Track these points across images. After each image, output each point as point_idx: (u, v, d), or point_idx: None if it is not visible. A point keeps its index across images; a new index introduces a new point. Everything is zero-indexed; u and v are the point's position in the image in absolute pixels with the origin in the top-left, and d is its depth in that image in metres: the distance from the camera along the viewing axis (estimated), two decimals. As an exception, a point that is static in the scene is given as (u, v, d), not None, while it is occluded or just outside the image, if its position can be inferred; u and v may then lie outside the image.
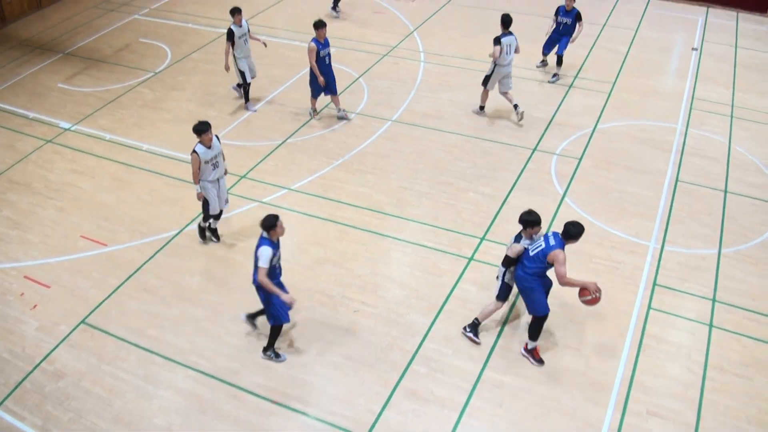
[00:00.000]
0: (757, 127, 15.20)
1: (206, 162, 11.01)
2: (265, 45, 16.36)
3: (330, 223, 12.43)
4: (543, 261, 9.11)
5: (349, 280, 11.15)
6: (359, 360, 9.82)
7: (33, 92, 17.38)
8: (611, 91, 16.68)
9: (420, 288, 11.04)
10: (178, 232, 12.34)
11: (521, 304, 10.65)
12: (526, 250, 9.40)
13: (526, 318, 10.36)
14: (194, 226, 12.41)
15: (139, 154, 14.67)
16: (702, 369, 9.58)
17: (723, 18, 20.94)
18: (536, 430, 8.87)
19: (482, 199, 12.97)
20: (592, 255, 11.43)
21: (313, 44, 14.32)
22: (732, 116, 15.58)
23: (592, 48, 18.95)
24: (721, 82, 17.14)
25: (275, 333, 9.70)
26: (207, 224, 11.88)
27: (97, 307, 10.84)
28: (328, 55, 14.64)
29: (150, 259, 11.78)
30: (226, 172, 11.71)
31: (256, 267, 9.08)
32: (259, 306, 9.71)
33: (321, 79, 14.56)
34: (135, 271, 11.52)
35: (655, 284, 11.01)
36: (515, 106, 15.27)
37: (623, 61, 18.20)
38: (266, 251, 8.95)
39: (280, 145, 14.75)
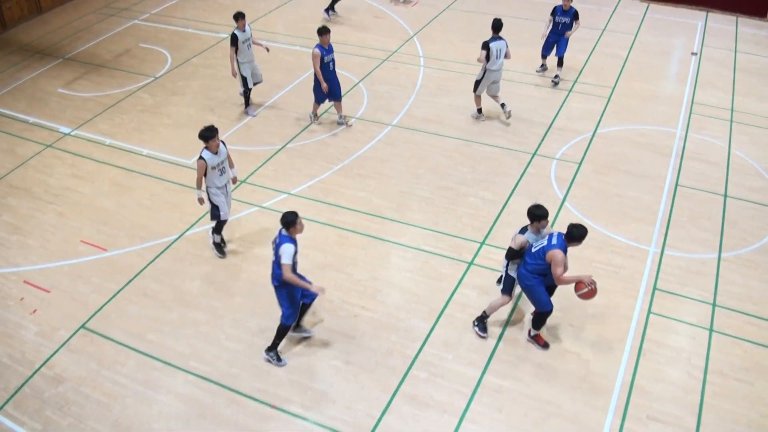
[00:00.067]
0: (757, 131, 15.20)
1: (213, 168, 10.96)
2: (268, 50, 16.37)
3: (330, 227, 12.43)
4: (543, 259, 9.19)
5: (349, 285, 11.15)
6: (359, 365, 9.81)
7: (33, 97, 17.40)
8: (611, 96, 16.69)
9: (420, 293, 11.04)
10: (178, 237, 12.34)
11: (521, 307, 10.66)
12: (529, 246, 9.48)
13: (527, 321, 10.38)
14: (194, 231, 12.43)
15: (139, 158, 14.68)
16: (702, 373, 9.57)
17: (722, 22, 20.96)
18: (536, 435, 8.88)
19: (482, 204, 12.97)
20: (592, 260, 11.42)
21: (317, 50, 14.32)
22: (732, 121, 15.58)
23: (591, 53, 18.97)
24: (720, 86, 17.15)
25: (282, 333, 9.70)
26: (221, 237, 11.80)
27: (97, 311, 10.84)
28: (333, 61, 14.65)
29: (150, 263, 11.78)
30: (235, 181, 11.71)
31: (277, 265, 9.14)
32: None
33: (324, 85, 14.56)
34: (135, 276, 11.51)
35: (655, 289, 11.00)
36: (502, 105, 15.40)
37: (623, 66, 18.22)
38: (289, 248, 9.01)
39: (280, 149, 14.76)
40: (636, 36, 20.05)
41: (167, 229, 12.54)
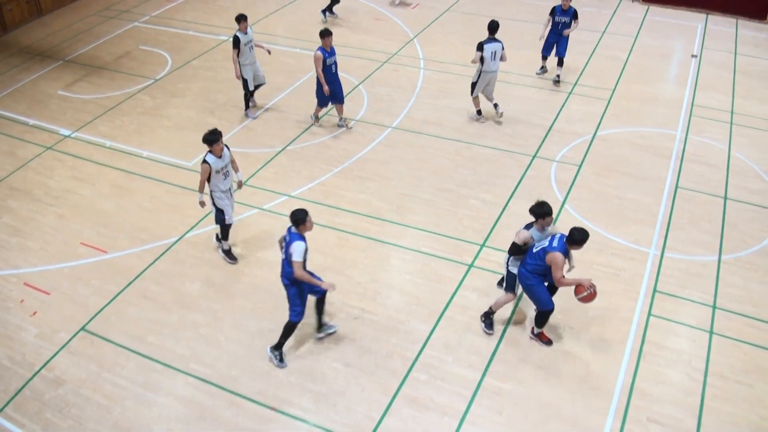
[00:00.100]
0: (757, 133, 15.21)
1: (217, 172, 10.93)
2: (269, 52, 16.36)
3: (330, 230, 12.43)
4: (543, 259, 9.24)
5: (349, 287, 11.15)
6: (359, 367, 9.80)
7: (33, 99, 17.41)
8: (611, 98, 16.70)
9: (420, 295, 11.04)
10: (178, 239, 12.34)
11: (522, 309, 10.66)
12: (531, 245, 9.56)
13: (528, 323, 10.38)
14: (194, 233, 12.43)
15: (139, 161, 14.68)
16: (702, 376, 9.57)
17: (722, 25, 20.98)
18: (537, 438, 8.88)
19: (482, 206, 12.97)
20: (593, 262, 11.42)
21: (319, 53, 14.32)
22: (732, 123, 15.59)
23: (591, 55, 18.98)
24: (720, 88, 17.16)
25: (289, 331, 9.73)
26: (229, 246, 11.76)
27: (97, 313, 10.84)
28: (335, 63, 14.64)
29: (150, 265, 11.78)
30: (241, 185, 11.70)
31: (287, 263, 9.19)
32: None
33: (326, 88, 14.56)
34: (135, 278, 11.51)
35: (655, 291, 11.00)
36: (495, 106, 15.52)
37: (623, 68, 18.23)
38: (300, 245, 9.06)
39: (280, 152, 14.76)
40: (636, 38, 20.06)
41: (167, 232, 12.54)
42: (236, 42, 15.03)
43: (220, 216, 11.35)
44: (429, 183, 13.65)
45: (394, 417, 9.10)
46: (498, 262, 11.55)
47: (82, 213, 13.14)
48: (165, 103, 17.00)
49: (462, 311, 10.69)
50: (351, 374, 9.70)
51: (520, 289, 10.03)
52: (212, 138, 10.76)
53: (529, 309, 10.57)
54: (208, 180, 10.96)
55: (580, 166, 14.06)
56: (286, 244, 9.24)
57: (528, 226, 9.67)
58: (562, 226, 12.02)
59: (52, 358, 10.07)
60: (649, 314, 10.56)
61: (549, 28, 16.87)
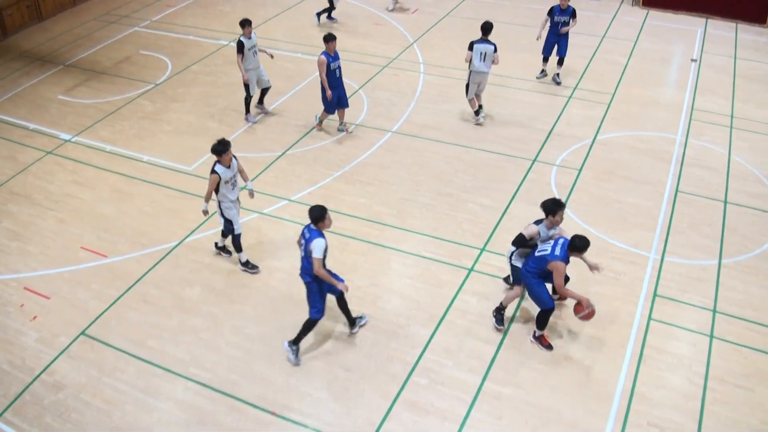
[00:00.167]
0: (757, 137, 15.21)
1: (226, 182, 10.86)
2: (272, 56, 16.37)
3: (330, 234, 12.35)
4: (544, 265, 9.33)
5: (349, 292, 11.10)
6: (359, 371, 9.80)
7: (33, 104, 17.42)
8: (611, 102, 16.71)
9: (420, 299, 11.03)
10: (178, 244, 12.34)
11: (522, 313, 10.66)
12: (534, 248, 9.68)
13: (528, 329, 10.37)
14: (194, 238, 12.43)
15: (139, 165, 14.69)
16: (703, 380, 9.56)
17: (722, 29, 20.99)
18: (537, 442, 8.86)
19: (482, 210, 12.97)
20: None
21: (323, 57, 14.33)
22: (732, 127, 15.59)
23: (591, 59, 18.99)
24: (720, 93, 17.16)
25: (308, 328, 9.79)
26: (246, 258, 11.66)
27: (97, 318, 10.83)
28: (339, 68, 14.65)
29: (150, 270, 11.78)
30: (252, 194, 11.62)
31: (307, 260, 9.24)
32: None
33: (329, 92, 14.56)
34: (135, 283, 11.51)
35: (655, 295, 11.00)
36: (479, 107, 15.71)
37: (623, 73, 18.24)
38: (321, 242, 9.11)
39: (280, 156, 14.77)
40: (636, 43, 20.08)
41: (167, 236, 12.54)
42: (240, 47, 15.03)
43: (228, 226, 11.27)
44: (429, 187, 13.66)
45: (395, 422, 9.09)
46: (498, 266, 11.55)
47: (83, 217, 13.14)
48: (165, 107, 17.01)
49: (462, 315, 10.68)
50: (351, 379, 9.70)
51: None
52: (221, 148, 10.69)
53: (530, 313, 10.56)
54: (216, 190, 10.89)
55: (580, 170, 14.06)
56: (305, 241, 9.28)
57: (537, 222, 9.78)
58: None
59: (52, 362, 10.07)
60: (650, 318, 10.56)
61: (547, 28, 16.95)
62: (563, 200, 12.75)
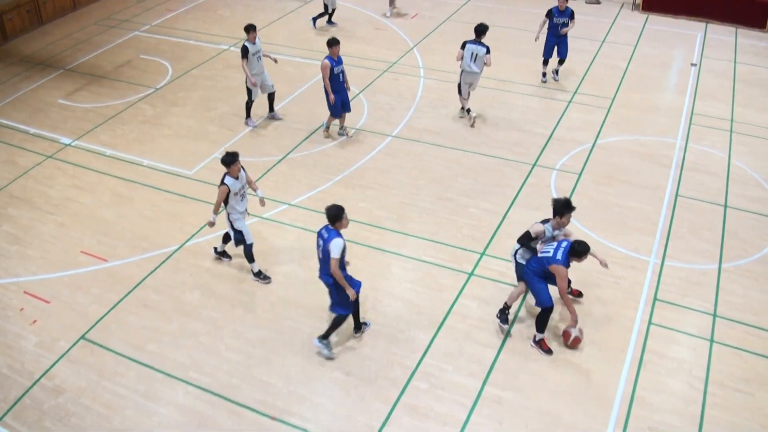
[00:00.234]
0: (757, 141, 15.22)
1: (235, 194, 10.82)
2: (276, 61, 16.38)
3: (330, 238, 12.41)
4: (545, 267, 9.42)
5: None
6: (359, 376, 9.79)
7: (34, 108, 17.43)
8: (611, 107, 16.72)
9: (420, 303, 11.03)
10: (179, 248, 12.34)
11: (523, 317, 10.65)
12: (536, 248, 9.78)
13: (528, 334, 10.37)
14: (195, 242, 12.43)
15: (139, 169, 14.70)
16: (703, 384, 9.55)
17: (722, 34, 21.01)
18: (537, 447, 8.86)
19: (483, 215, 12.97)
20: (592, 270, 11.38)
21: (327, 61, 14.35)
22: (731, 131, 15.60)
23: (591, 64, 19.01)
24: (720, 97, 17.18)
25: (337, 324, 9.86)
26: (258, 268, 11.58)
27: (97, 322, 10.83)
28: (342, 72, 14.67)
29: (150, 274, 11.78)
30: (263, 203, 11.59)
31: (326, 259, 9.27)
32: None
33: (332, 96, 14.57)
34: (135, 287, 11.51)
35: (655, 299, 10.99)
36: (467, 111, 15.86)
37: (622, 77, 18.26)
38: (339, 242, 9.16)
39: (280, 160, 14.77)
40: (635, 47, 20.10)
41: (167, 240, 12.54)
42: (245, 52, 15.04)
43: (239, 237, 11.20)
44: (429, 191, 13.66)
45: (395, 426, 9.07)
46: (498, 270, 11.56)
47: (83, 221, 13.14)
48: (165, 111, 17.02)
49: (462, 320, 10.68)
50: (351, 383, 9.69)
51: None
52: (230, 159, 10.64)
53: (530, 317, 10.56)
54: (225, 202, 10.85)
55: (580, 175, 14.07)
56: (323, 242, 9.30)
57: (545, 222, 9.87)
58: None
59: (51, 366, 10.06)
60: (650, 323, 10.55)
61: (546, 29, 17.03)
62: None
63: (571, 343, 9.96)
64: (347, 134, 15.55)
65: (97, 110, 17.19)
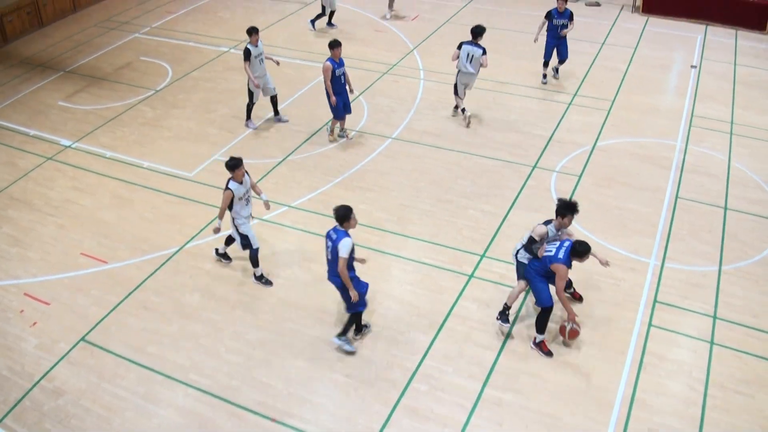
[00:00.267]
0: (757, 144, 15.23)
1: (240, 198, 10.80)
2: (278, 63, 16.39)
3: (330, 240, 12.41)
4: (547, 265, 9.46)
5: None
6: (359, 378, 9.79)
7: (34, 110, 17.44)
8: (610, 109, 16.72)
9: (420, 305, 11.03)
10: (179, 250, 12.34)
11: (523, 320, 10.65)
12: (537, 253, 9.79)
13: (528, 335, 10.37)
14: (194, 243, 12.43)
15: (139, 171, 14.70)
16: (703, 386, 9.55)
17: (722, 36, 21.02)
18: (537, 449, 8.85)
19: (482, 217, 12.98)
20: (593, 272, 11.40)
21: (328, 63, 14.36)
22: (731, 133, 15.61)
23: (591, 66, 19.02)
24: (720, 99, 17.18)
25: (353, 320, 10.00)
26: (260, 273, 11.57)
27: (97, 324, 10.83)
28: (344, 74, 14.68)
29: (150, 276, 11.78)
30: (268, 206, 11.58)
31: (335, 260, 9.35)
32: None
33: (333, 99, 14.57)
34: (135, 289, 11.51)
35: (655, 301, 10.99)
36: (462, 110, 15.95)
37: (622, 79, 18.26)
38: (348, 242, 9.24)
39: (280, 162, 14.78)
40: (635, 49, 20.11)
41: (167, 242, 12.54)
42: (247, 54, 15.04)
43: (245, 242, 11.16)
44: (429, 193, 13.66)
45: (395, 428, 9.07)
46: (498, 272, 11.56)
47: (83, 223, 13.14)
48: (165, 113, 17.03)
49: (462, 322, 10.68)
50: (351, 385, 9.69)
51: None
52: (234, 163, 10.62)
53: (530, 319, 10.55)
54: (230, 207, 10.84)
55: (580, 177, 14.07)
56: (332, 242, 9.37)
57: (547, 223, 9.90)
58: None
59: (51, 368, 10.06)
60: (650, 325, 10.55)
61: (545, 30, 17.10)
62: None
63: (569, 335, 9.92)
64: (347, 136, 15.56)
65: (97, 112, 17.20)
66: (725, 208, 13.12)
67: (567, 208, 9.69)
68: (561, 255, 9.34)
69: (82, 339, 10.54)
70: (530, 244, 9.83)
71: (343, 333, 10.08)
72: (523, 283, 10.18)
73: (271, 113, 16.51)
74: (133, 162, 15.03)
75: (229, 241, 11.64)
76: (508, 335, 10.41)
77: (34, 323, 10.88)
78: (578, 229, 12.39)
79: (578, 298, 10.90)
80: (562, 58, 17.44)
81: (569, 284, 10.39)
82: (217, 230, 11.04)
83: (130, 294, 11.39)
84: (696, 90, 17.64)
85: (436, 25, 21.97)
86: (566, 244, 9.43)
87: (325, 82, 14.50)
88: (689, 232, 12.48)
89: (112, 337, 10.57)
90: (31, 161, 15.20)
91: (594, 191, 13.63)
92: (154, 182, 14.28)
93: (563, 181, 13.92)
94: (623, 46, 20.31)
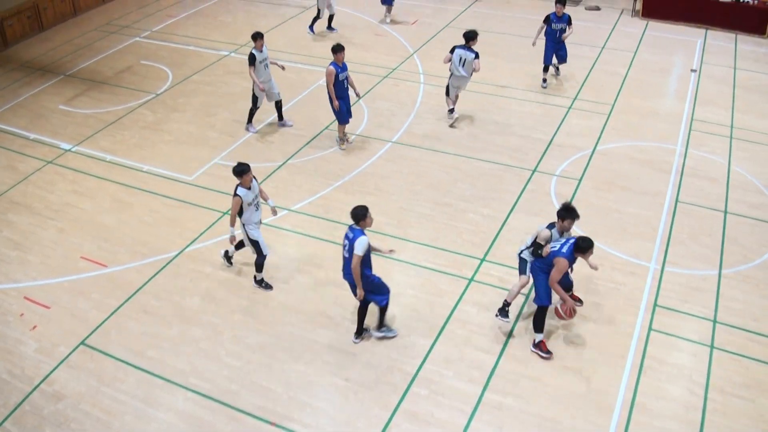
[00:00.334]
0: (757, 147, 15.23)
1: (249, 204, 10.77)
2: (283, 68, 16.37)
3: (330, 244, 12.41)
4: (550, 260, 9.57)
5: (350, 301, 11.10)
6: (359, 382, 9.78)
7: (34, 113, 17.45)
8: (611, 113, 16.73)
9: (420, 309, 11.02)
10: (179, 253, 12.34)
11: (523, 323, 10.64)
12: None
13: (528, 339, 10.36)
14: (194, 247, 12.43)
15: (139, 175, 14.71)
16: (703, 391, 9.54)
17: (722, 40, 21.03)
18: (537, 453, 8.85)
19: (482, 220, 12.98)
20: (593, 276, 11.40)
21: (331, 68, 14.37)
22: (731, 137, 15.61)
23: (591, 70, 19.03)
24: (720, 103, 17.19)
25: (383, 311, 10.16)
26: (261, 277, 11.54)
27: (97, 328, 10.82)
28: (347, 78, 14.71)
29: (150, 280, 11.77)
30: (275, 212, 11.55)
31: (350, 258, 9.47)
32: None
33: (336, 103, 14.58)
34: (135, 292, 11.50)
35: (655, 305, 10.99)
36: (450, 110, 16.13)
37: (622, 83, 18.28)
38: (364, 240, 9.39)
39: (280, 166, 14.78)
40: (635, 53, 20.12)
41: (167, 246, 12.54)
42: (252, 59, 15.03)
43: (257, 248, 11.16)
44: (429, 197, 13.67)
45: (395, 432, 9.08)
46: (498, 276, 11.56)
47: (83, 227, 13.15)
48: (166, 117, 17.04)
49: (462, 325, 10.67)
50: (351, 389, 9.68)
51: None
52: (242, 169, 10.62)
53: (530, 322, 10.54)
54: (239, 214, 10.82)
55: (580, 181, 14.07)
56: (349, 241, 9.49)
57: (550, 226, 9.95)
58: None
59: (51, 372, 10.05)
60: (650, 329, 10.54)
61: (543, 34, 17.23)
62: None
63: (566, 313, 9.70)
64: (347, 140, 15.55)
65: (97, 116, 17.21)
66: (725, 212, 13.12)
67: (566, 211, 9.79)
68: (564, 249, 9.47)
69: (82, 343, 10.54)
70: (536, 248, 9.84)
71: (379, 325, 10.30)
72: (524, 278, 10.20)
73: (272, 117, 16.51)
74: (133, 166, 15.03)
75: (240, 245, 11.62)
76: (508, 337, 10.40)
77: (34, 327, 10.88)
78: (578, 233, 12.38)
79: (578, 300, 10.90)
80: (562, 61, 17.59)
81: (569, 287, 10.38)
82: (233, 239, 11.04)
83: (130, 298, 11.39)
84: (696, 94, 17.65)
85: (435, 29, 21.99)
86: (571, 240, 9.54)
87: (327, 86, 14.52)
88: (689, 236, 12.48)
89: (112, 341, 10.56)
90: (31, 165, 15.21)
91: (594, 195, 13.63)
92: (154, 186, 14.29)
93: (563, 185, 13.93)
94: (623, 50, 20.33)
